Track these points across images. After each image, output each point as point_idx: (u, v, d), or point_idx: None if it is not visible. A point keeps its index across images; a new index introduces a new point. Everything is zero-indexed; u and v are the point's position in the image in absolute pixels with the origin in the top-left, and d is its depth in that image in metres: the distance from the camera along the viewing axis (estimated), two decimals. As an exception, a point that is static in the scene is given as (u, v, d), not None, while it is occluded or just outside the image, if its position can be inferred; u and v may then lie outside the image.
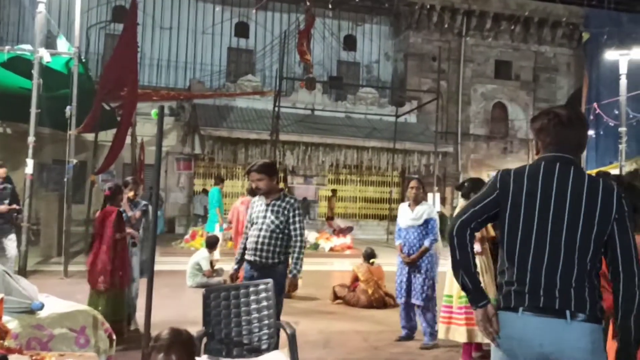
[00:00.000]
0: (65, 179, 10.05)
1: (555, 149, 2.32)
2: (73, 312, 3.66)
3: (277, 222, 4.51)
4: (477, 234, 5.11)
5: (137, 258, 6.41)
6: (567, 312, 2.13)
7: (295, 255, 4.54)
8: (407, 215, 6.02)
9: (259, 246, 4.51)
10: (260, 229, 4.53)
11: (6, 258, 7.88)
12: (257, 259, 4.51)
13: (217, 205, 11.81)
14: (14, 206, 8.07)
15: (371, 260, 8.24)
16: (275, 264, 4.51)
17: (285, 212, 4.52)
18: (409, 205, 6.05)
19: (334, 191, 21.46)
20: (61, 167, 10.33)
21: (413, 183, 6.13)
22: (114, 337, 3.82)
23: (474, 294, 2.29)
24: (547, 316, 2.15)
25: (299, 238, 4.53)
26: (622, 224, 2.18)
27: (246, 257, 4.65)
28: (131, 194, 6.36)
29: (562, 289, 2.16)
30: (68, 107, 9.82)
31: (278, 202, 4.55)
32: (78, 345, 3.54)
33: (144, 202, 6.49)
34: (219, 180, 12.57)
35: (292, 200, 4.62)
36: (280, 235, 4.52)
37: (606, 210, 2.18)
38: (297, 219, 4.55)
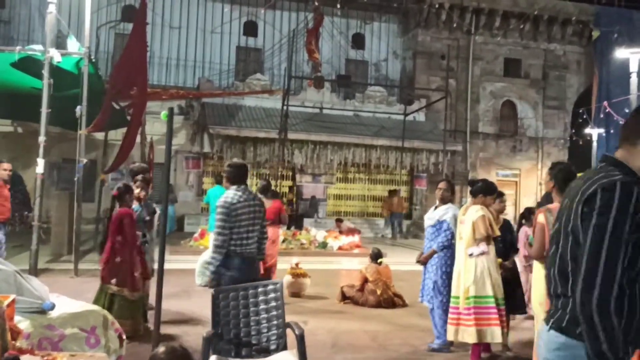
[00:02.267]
0: (76, 178, 10.13)
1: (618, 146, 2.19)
2: (84, 312, 3.69)
3: None
4: (483, 233, 5.11)
5: (149, 257, 6.48)
6: (549, 321, 2.08)
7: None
8: (427, 215, 6.02)
9: None
10: None
11: None
12: None
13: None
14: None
15: (379, 260, 8.24)
16: None
17: None
18: (436, 206, 5.97)
19: (391, 192, 21.11)
20: (71, 166, 10.41)
21: (441, 184, 5.98)
22: (124, 337, 3.85)
23: None
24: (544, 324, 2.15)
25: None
26: (586, 222, 1.94)
27: None
28: (137, 191, 6.40)
29: (553, 299, 2.12)
30: (78, 107, 9.88)
31: None
32: (89, 345, 3.58)
33: (153, 205, 6.55)
34: (220, 178, 12.54)
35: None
36: None
37: (577, 210, 1.99)
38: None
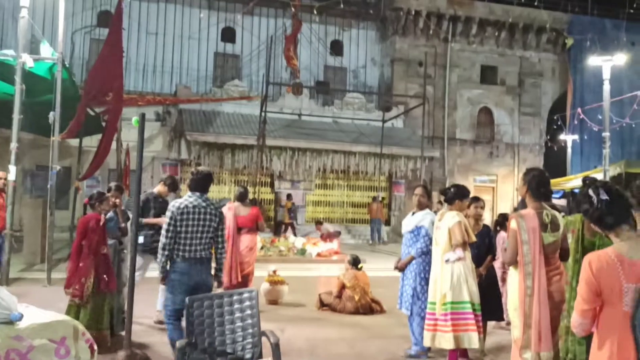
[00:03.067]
0: (49, 185, 9.94)
1: None
2: (53, 322, 3.60)
3: None
4: (459, 239, 5.11)
5: (125, 265, 6.36)
6: None
7: None
8: (405, 221, 6.00)
9: None
10: None
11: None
12: None
13: None
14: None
15: (359, 266, 8.23)
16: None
17: None
18: (413, 212, 5.94)
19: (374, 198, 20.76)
20: (45, 173, 10.21)
21: (417, 190, 5.96)
22: (95, 347, 3.77)
23: None
24: None
25: None
26: None
27: None
28: (113, 199, 6.30)
29: None
30: (51, 113, 9.72)
31: None
32: (58, 356, 3.49)
33: (129, 212, 6.46)
34: None
35: None
36: None
37: None
38: None
